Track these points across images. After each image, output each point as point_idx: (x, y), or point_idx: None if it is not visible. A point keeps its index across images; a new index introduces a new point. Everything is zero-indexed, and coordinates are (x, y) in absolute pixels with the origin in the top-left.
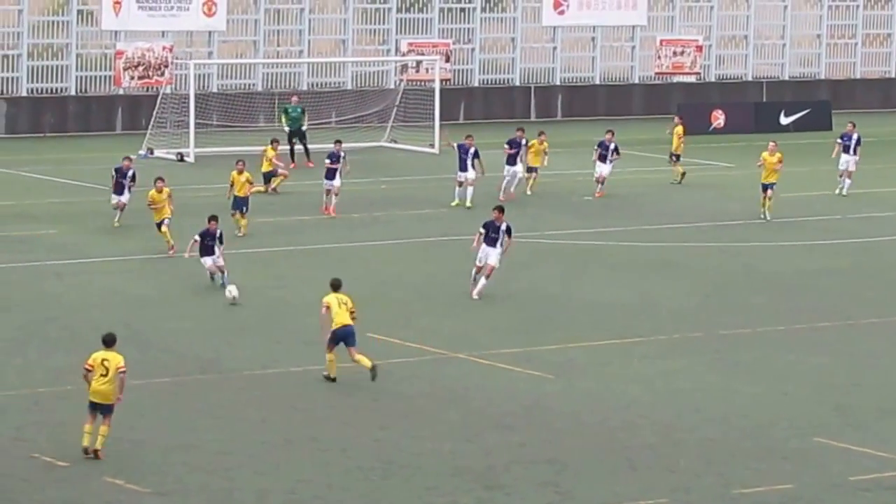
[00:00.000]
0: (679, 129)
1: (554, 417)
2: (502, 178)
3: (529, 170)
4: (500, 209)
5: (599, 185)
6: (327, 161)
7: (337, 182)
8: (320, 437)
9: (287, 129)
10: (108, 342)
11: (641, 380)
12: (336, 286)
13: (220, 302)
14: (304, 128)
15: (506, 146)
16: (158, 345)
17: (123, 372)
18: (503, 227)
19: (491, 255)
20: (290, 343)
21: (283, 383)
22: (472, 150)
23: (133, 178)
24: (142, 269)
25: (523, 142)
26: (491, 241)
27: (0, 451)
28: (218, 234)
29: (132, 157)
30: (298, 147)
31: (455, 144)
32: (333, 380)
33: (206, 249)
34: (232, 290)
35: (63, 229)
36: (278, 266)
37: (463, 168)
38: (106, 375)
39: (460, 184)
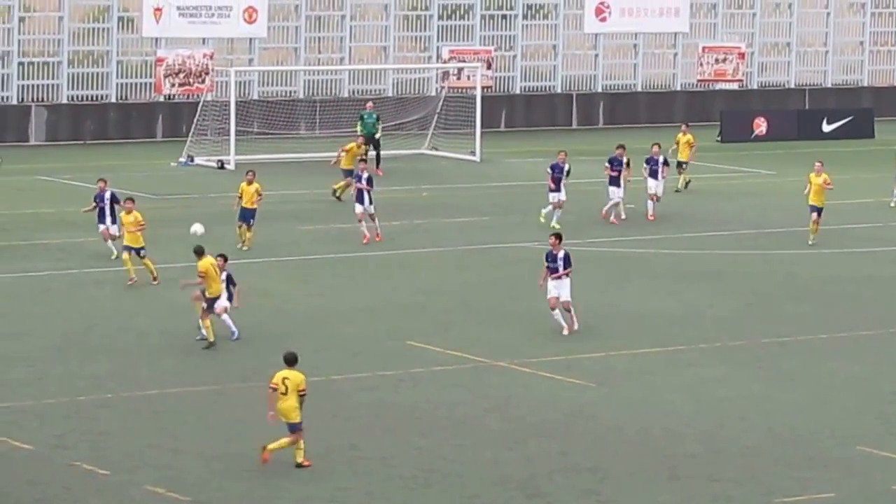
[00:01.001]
0: (688, 137)
1: (596, 426)
2: (608, 202)
3: (679, 164)
4: (557, 236)
5: (652, 204)
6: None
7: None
8: (361, 445)
9: (361, 135)
10: (290, 361)
11: (683, 388)
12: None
13: (261, 311)
14: (377, 135)
15: (607, 166)
16: (199, 353)
17: (304, 393)
18: (561, 254)
19: (562, 289)
20: (331, 351)
21: (324, 391)
22: (566, 168)
23: (114, 199)
24: (182, 277)
25: (625, 160)
26: (554, 272)
27: (41, 458)
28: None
29: (105, 179)
30: (370, 153)
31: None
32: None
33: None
34: (197, 229)
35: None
36: (319, 274)
37: (557, 188)
38: (286, 394)
39: (553, 206)
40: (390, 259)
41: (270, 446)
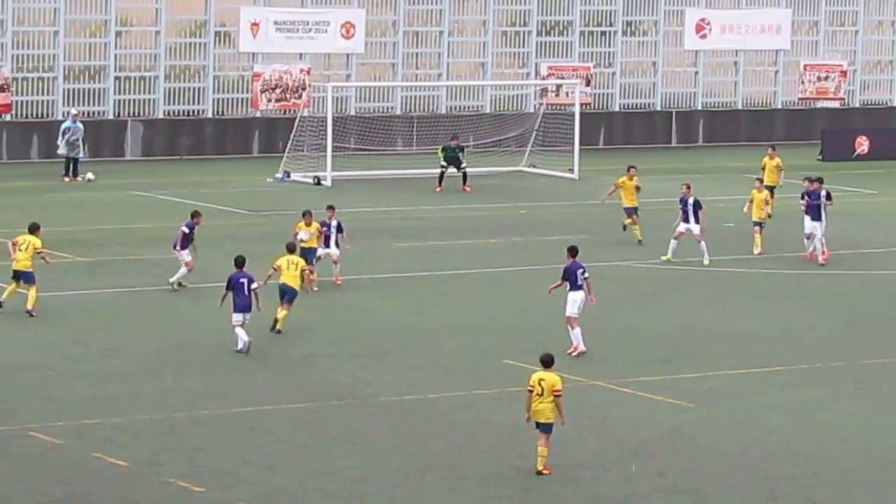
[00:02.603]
0: (776, 161)
1: (694, 446)
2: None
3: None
4: (572, 251)
5: (817, 245)
6: (323, 228)
7: (334, 250)
8: (457, 464)
9: (443, 160)
10: (546, 362)
11: (782, 409)
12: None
13: (356, 328)
14: (463, 164)
15: (804, 199)
16: (294, 370)
17: (559, 394)
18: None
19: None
20: (427, 369)
21: (420, 409)
22: (690, 201)
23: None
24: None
25: (823, 193)
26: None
27: (135, 476)
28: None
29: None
30: (450, 171)
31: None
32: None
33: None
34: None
35: (199, 253)
36: (415, 291)
37: (685, 219)
38: (542, 395)
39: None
40: (487, 277)
41: (541, 467)
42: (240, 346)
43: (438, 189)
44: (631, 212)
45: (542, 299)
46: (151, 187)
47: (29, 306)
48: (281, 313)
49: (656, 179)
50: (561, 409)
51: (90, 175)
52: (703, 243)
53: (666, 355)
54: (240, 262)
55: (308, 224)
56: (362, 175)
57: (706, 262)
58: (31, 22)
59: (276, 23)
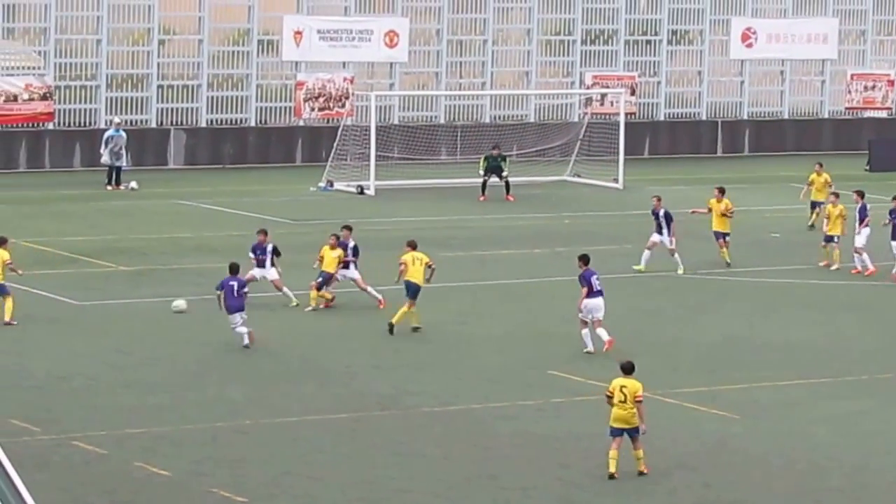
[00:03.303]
0: (825, 177)
1: (739, 458)
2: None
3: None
4: (583, 259)
5: (865, 258)
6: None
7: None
8: (501, 475)
9: (483, 172)
10: (627, 369)
11: (829, 421)
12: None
13: (401, 338)
14: (504, 173)
15: (888, 218)
16: (337, 380)
17: (640, 400)
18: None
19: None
20: (471, 379)
21: (464, 420)
22: (661, 213)
23: (275, 251)
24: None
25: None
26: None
27: (178, 485)
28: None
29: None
30: (493, 181)
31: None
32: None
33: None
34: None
35: (241, 262)
36: (460, 301)
37: (658, 231)
38: (625, 402)
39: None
40: (531, 287)
41: (642, 468)
42: (245, 342)
43: (482, 198)
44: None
45: None
46: (194, 196)
47: (7, 318)
48: (405, 309)
49: (701, 189)
50: (643, 415)
51: (133, 184)
52: (676, 255)
53: (711, 366)
54: (234, 269)
55: (333, 246)
56: (406, 184)
57: (680, 272)
58: (74, 30)
59: (319, 31)
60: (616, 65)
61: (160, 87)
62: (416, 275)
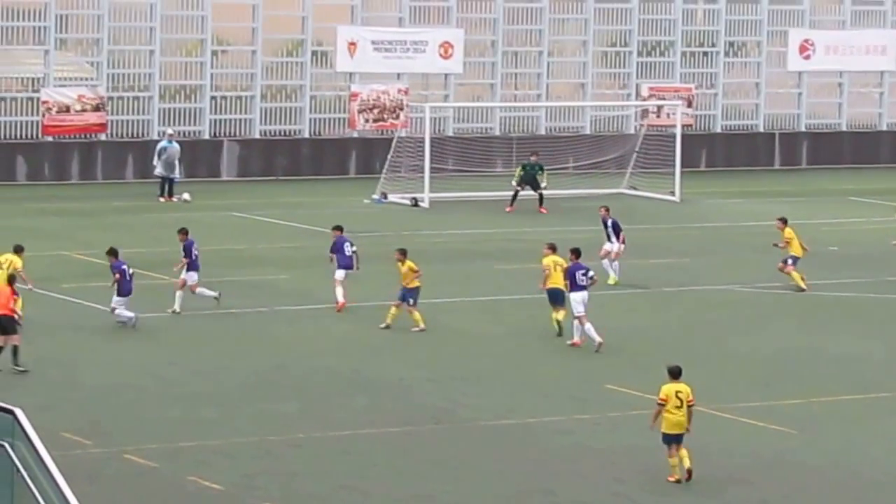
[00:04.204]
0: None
1: (796, 473)
2: None
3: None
4: (575, 252)
5: (608, 263)
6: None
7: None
8: (556, 489)
9: (516, 181)
10: (676, 373)
11: (887, 436)
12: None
13: (455, 350)
14: (543, 184)
15: None
16: (390, 393)
17: (692, 403)
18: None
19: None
20: (526, 393)
21: (519, 434)
22: (610, 222)
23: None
24: (375, 316)
25: None
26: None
27: (230, 499)
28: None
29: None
30: (524, 193)
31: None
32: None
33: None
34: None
35: (295, 274)
36: (515, 314)
37: (609, 239)
38: (681, 407)
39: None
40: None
41: (674, 478)
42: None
43: (509, 209)
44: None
45: (644, 323)
46: (247, 208)
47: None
48: (561, 314)
49: (759, 202)
50: (691, 418)
51: (186, 195)
52: (616, 263)
53: (767, 380)
54: (114, 252)
55: (401, 261)
56: (461, 196)
57: (611, 282)
58: (127, 41)
59: (373, 42)
60: (673, 76)
61: (213, 98)
62: (558, 280)
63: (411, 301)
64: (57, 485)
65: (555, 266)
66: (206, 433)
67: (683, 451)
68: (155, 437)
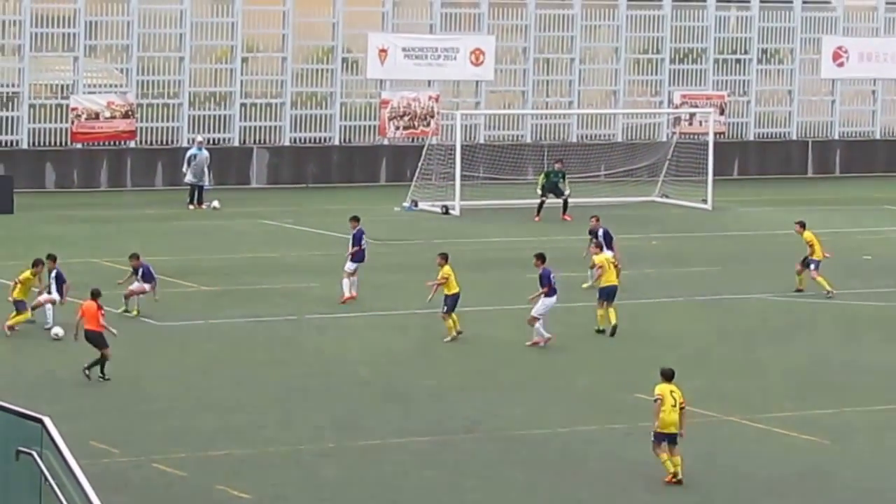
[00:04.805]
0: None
1: (830, 485)
2: None
3: None
4: (540, 257)
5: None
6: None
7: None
8: (587, 500)
9: (540, 191)
10: (670, 376)
11: None
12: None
13: (487, 359)
14: (566, 192)
15: None
16: (421, 402)
17: (684, 406)
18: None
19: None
20: (558, 402)
21: (550, 444)
22: (601, 232)
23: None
24: (405, 325)
25: None
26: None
27: None
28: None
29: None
30: (550, 202)
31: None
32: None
33: None
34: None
35: (325, 282)
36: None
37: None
38: (675, 406)
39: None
40: (619, 309)
41: (670, 477)
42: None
43: (537, 219)
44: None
45: (676, 331)
46: (277, 216)
47: (9, 323)
48: (611, 313)
49: (792, 211)
50: (684, 421)
51: (216, 203)
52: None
53: (801, 390)
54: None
55: (440, 265)
56: (491, 204)
57: (585, 285)
58: (157, 47)
59: (404, 49)
60: (705, 84)
61: (243, 105)
62: (612, 278)
63: (445, 308)
64: (85, 493)
65: (608, 263)
66: (236, 442)
67: (677, 458)
68: (184, 446)
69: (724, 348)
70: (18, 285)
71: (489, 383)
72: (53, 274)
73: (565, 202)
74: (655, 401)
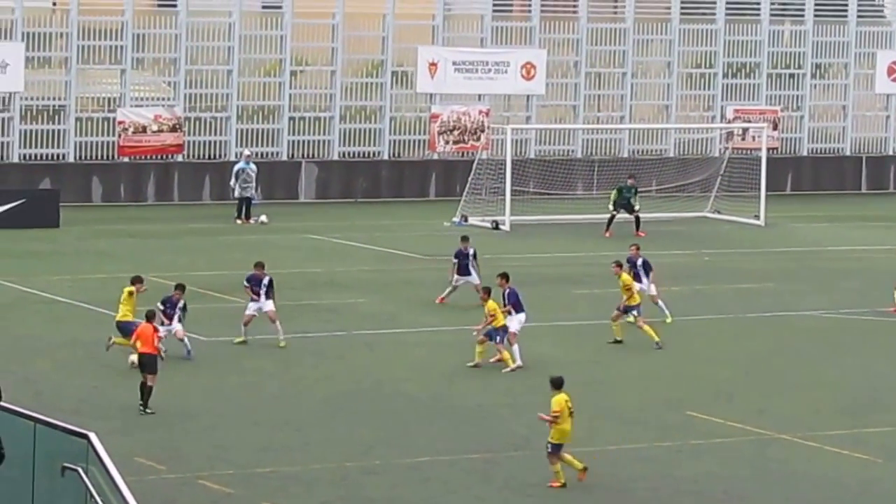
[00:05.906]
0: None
1: (881, 503)
2: None
3: None
4: (504, 276)
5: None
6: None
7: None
8: None
9: (612, 206)
10: (559, 384)
11: None
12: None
13: (534, 377)
14: (636, 207)
15: None
16: (469, 419)
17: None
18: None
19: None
20: (607, 420)
21: (600, 461)
22: (639, 262)
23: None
24: (453, 342)
25: None
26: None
27: None
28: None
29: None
30: (621, 216)
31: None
32: None
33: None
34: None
35: (373, 298)
36: (594, 340)
37: (637, 279)
38: (570, 415)
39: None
40: (669, 326)
41: (558, 482)
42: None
43: (607, 234)
44: None
45: (728, 348)
46: (325, 230)
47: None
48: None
49: (846, 227)
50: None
51: (264, 217)
52: (660, 303)
53: (854, 408)
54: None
55: (484, 301)
56: (542, 220)
57: (668, 321)
58: (205, 61)
59: (454, 63)
60: (758, 98)
61: (292, 119)
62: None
63: (498, 339)
64: None
65: (632, 283)
66: (283, 459)
67: (567, 456)
68: (230, 463)
69: (776, 365)
70: (122, 306)
71: (537, 399)
72: (181, 304)
73: (637, 219)
74: (555, 418)
